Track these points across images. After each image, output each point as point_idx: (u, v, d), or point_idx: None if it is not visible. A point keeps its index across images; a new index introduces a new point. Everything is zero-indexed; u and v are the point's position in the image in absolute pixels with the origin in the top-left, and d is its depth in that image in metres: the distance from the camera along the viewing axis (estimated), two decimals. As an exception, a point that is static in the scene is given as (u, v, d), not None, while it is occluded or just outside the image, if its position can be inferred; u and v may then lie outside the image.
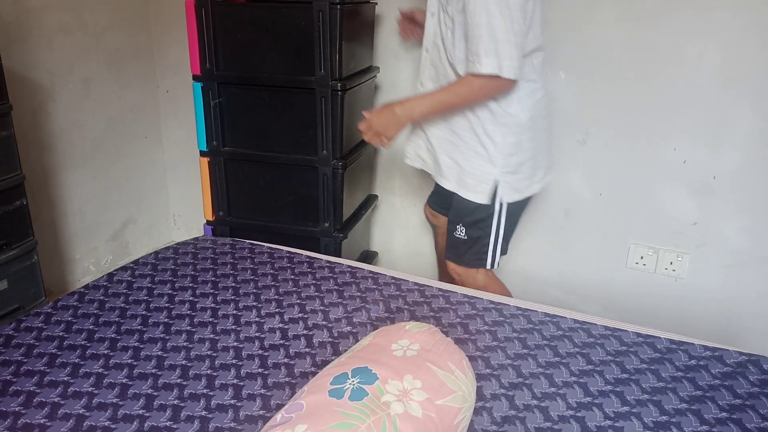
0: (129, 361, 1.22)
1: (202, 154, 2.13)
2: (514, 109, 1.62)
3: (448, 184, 1.74)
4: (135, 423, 1.05)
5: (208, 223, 2.22)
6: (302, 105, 1.98)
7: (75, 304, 1.44)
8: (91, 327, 1.34)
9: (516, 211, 1.75)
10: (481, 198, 1.68)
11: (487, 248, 1.73)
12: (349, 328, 1.36)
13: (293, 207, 2.13)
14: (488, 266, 1.76)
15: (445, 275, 2.04)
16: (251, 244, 1.79)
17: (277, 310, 1.43)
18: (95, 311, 1.41)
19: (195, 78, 2.04)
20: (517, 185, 1.68)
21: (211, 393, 1.13)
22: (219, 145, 2.09)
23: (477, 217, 1.70)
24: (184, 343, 1.29)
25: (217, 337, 1.31)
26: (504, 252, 1.78)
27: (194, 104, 2.07)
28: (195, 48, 2.00)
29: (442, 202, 1.94)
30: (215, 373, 1.19)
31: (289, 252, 1.74)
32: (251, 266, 1.64)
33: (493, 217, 1.69)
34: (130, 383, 1.15)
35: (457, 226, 1.75)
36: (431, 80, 1.74)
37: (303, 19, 1.87)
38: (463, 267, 1.79)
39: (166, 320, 1.38)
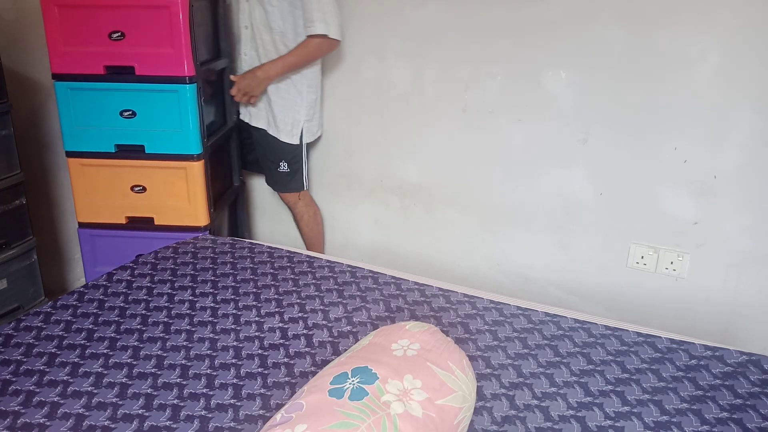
0: (128, 360, 1.22)
1: (197, 157, 2.02)
2: (313, 74, 2.26)
3: (274, 131, 2.29)
4: (135, 422, 1.05)
5: (199, 229, 2.10)
6: (223, 81, 2.32)
7: (74, 303, 1.44)
8: (90, 326, 1.34)
9: (308, 149, 2.41)
10: (294, 140, 2.30)
11: (302, 175, 2.37)
12: (349, 328, 1.36)
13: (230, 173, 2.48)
14: (305, 188, 2.41)
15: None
16: (251, 243, 1.79)
17: (276, 309, 1.43)
18: (95, 310, 1.41)
19: (190, 80, 1.94)
20: (311, 130, 2.35)
21: (211, 392, 1.13)
22: (207, 142, 2.08)
23: (294, 154, 2.32)
24: (184, 343, 1.29)
25: (216, 337, 1.31)
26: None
27: (186, 107, 1.96)
28: (188, 47, 1.91)
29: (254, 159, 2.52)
30: (215, 373, 1.19)
31: (288, 251, 1.74)
32: (251, 266, 1.64)
33: (302, 153, 2.33)
34: (130, 383, 1.15)
35: (280, 164, 2.33)
36: (253, 49, 2.26)
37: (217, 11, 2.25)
38: (289, 193, 2.41)
39: (165, 319, 1.37)
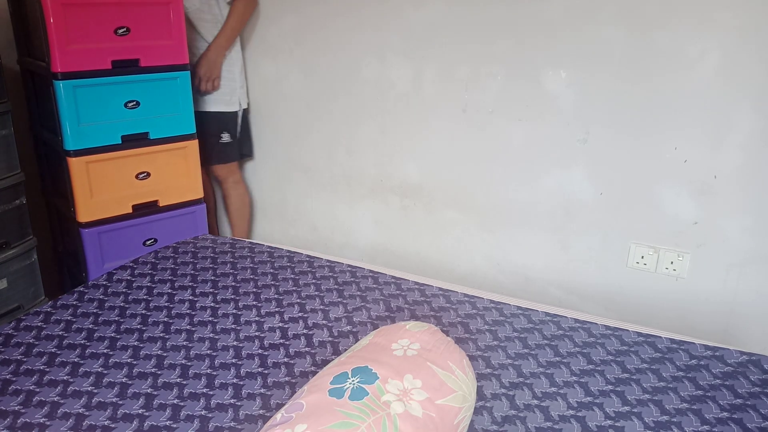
0: (128, 360, 1.22)
1: (192, 137, 2.24)
2: (236, 42, 2.43)
3: (214, 106, 2.42)
4: (135, 422, 1.05)
5: (199, 201, 2.30)
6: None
7: (74, 303, 1.44)
8: (90, 326, 1.34)
9: (245, 115, 2.59)
10: (233, 107, 2.47)
11: (237, 143, 2.52)
12: (349, 328, 1.36)
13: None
14: (239, 157, 2.60)
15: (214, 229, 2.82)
16: (251, 243, 1.79)
17: (276, 309, 1.43)
18: (95, 310, 1.41)
19: (185, 67, 2.16)
20: (243, 96, 2.51)
21: (211, 392, 1.13)
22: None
23: (232, 122, 2.48)
24: (184, 342, 1.29)
25: (216, 336, 1.31)
26: (250, 154, 2.70)
27: (185, 92, 2.16)
28: (184, 38, 2.13)
29: None
30: (215, 373, 1.19)
31: (288, 251, 1.74)
32: (251, 265, 1.64)
33: (239, 120, 2.51)
34: (130, 382, 1.15)
35: (222, 135, 2.46)
36: (208, 28, 2.36)
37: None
38: (226, 165, 2.55)
39: (165, 319, 1.37)
